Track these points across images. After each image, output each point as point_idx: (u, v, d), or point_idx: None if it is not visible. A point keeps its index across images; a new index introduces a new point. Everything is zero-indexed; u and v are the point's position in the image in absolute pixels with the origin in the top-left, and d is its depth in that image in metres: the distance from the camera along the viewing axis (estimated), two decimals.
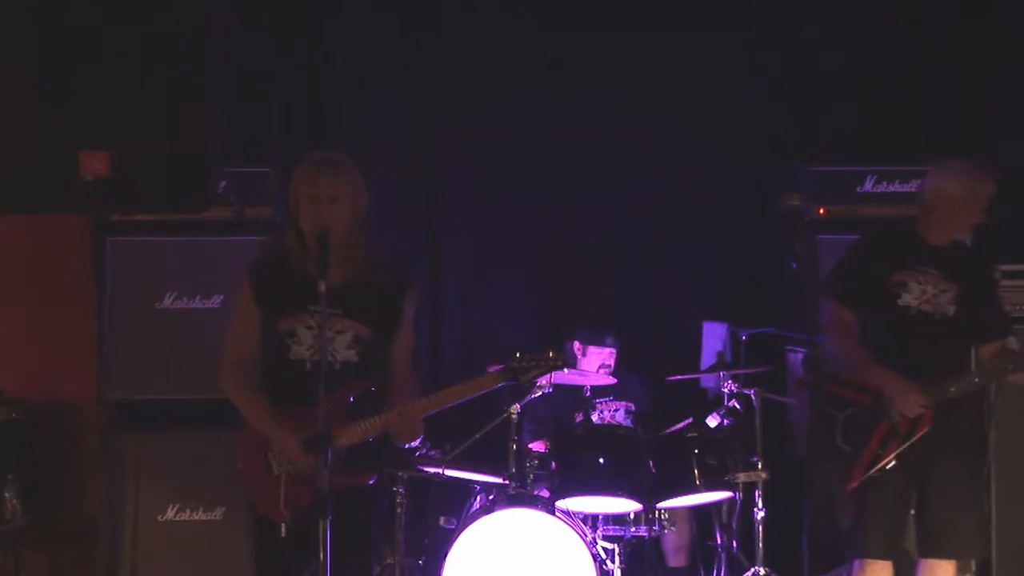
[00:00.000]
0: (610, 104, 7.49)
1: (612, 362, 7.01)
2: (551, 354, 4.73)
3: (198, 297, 6.36)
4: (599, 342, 7.00)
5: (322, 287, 4.33)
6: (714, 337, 7.07)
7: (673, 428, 6.49)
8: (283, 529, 4.52)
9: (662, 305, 7.56)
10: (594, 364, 6.95)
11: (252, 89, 6.87)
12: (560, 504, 6.14)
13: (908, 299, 5.43)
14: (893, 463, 5.38)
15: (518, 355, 4.66)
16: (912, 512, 5.53)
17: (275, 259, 4.71)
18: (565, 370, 6.03)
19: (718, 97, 7.43)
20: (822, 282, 5.67)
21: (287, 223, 4.68)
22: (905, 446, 5.38)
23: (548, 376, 5.70)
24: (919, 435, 5.36)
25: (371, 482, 4.65)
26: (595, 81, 7.46)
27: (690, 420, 6.60)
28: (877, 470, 5.39)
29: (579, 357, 7.00)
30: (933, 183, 5.51)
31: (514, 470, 6.15)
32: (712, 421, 6.52)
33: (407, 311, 4.74)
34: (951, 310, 5.45)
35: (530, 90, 7.52)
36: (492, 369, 4.75)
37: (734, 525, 6.64)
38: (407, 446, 4.86)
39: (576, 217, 7.60)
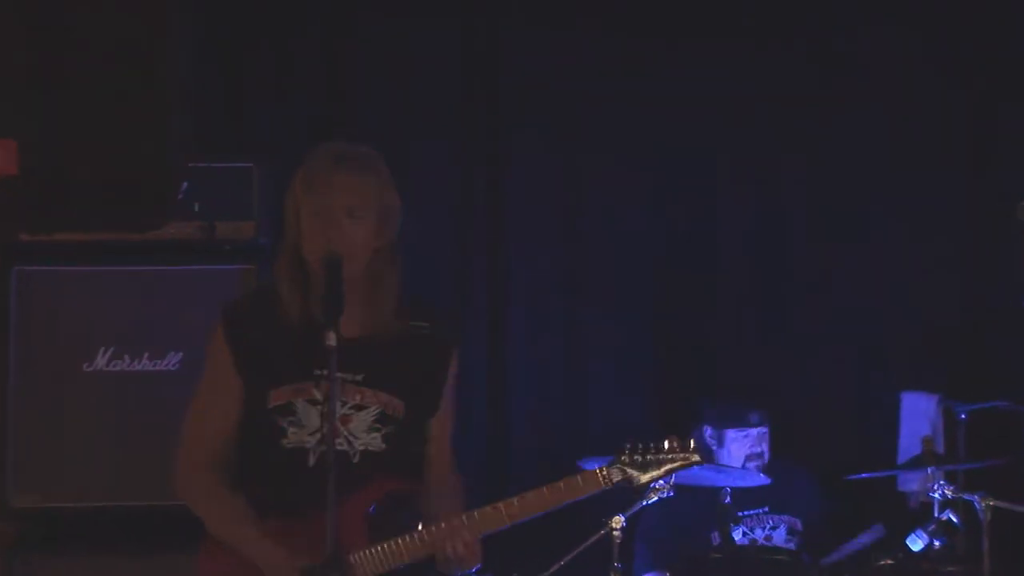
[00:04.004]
0: (760, 87, 7.20)
1: (765, 449, 6.68)
2: (681, 444, 4.45)
3: (146, 355, 6.12)
4: (740, 421, 6.66)
5: (331, 339, 4.14)
6: (918, 416, 6.83)
7: (853, 549, 6.26)
8: None
9: (835, 369, 7.19)
10: (738, 455, 6.65)
11: (228, 47, 6.68)
12: None
13: None
14: None
15: (631, 446, 4.42)
16: None
17: (262, 301, 4.55)
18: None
19: (912, 72, 7.18)
20: None
21: (280, 246, 4.49)
22: None
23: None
24: None
25: None
26: (744, 63, 7.18)
27: (878, 533, 6.32)
28: None
29: (714, 448, 6.68)
30: None
31: None
32: (916, 543, 6.14)
33: (451, 378, 4.57)
34: None
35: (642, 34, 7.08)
36: (591, 467, 4.45)
37: None
38: None
39: (705, 240, 7.24)
